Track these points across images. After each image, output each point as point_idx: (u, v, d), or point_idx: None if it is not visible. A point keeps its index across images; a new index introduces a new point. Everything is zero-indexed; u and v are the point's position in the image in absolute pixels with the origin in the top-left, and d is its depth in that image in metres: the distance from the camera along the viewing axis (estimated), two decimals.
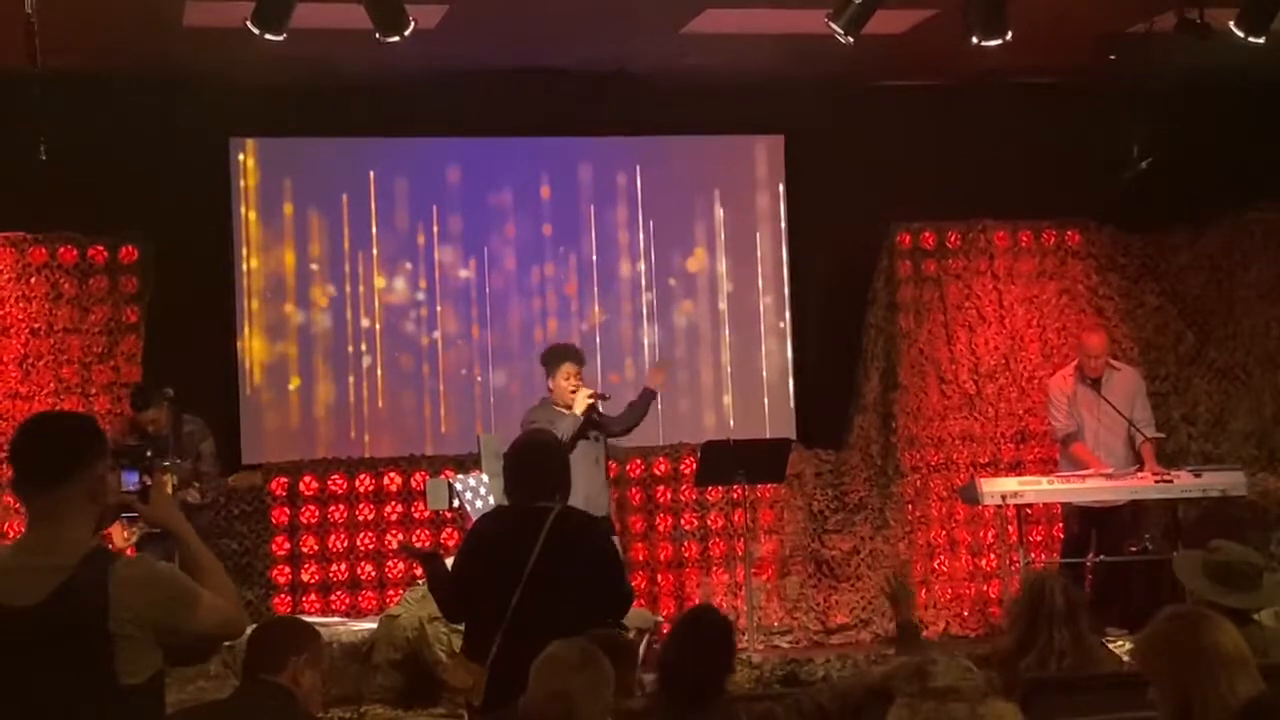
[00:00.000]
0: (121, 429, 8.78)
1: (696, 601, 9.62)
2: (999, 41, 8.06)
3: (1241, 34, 8.22)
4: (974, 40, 8.12)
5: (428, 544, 9.54)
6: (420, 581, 8.24)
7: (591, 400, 8.28)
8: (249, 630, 4.17)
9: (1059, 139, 10.37)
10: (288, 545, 9.68)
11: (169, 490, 8.34)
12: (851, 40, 8.04)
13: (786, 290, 10.69)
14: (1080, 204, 10.52)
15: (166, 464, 8.45)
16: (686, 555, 10.12)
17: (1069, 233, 10.62)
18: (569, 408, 8.24)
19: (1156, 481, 9.11)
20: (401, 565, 9.67)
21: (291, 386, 10.07)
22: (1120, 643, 7.45)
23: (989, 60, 8.96)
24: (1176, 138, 9.41)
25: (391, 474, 9.86)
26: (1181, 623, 3.60)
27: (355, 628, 8.70)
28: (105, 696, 3.40)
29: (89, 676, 3.39)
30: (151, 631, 3.46)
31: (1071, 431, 9.50)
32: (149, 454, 3.94)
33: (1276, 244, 10.06)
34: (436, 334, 10.24)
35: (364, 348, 10.13)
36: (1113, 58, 9.38)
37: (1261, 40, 8.24)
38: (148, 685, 3.47)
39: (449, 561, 5.58)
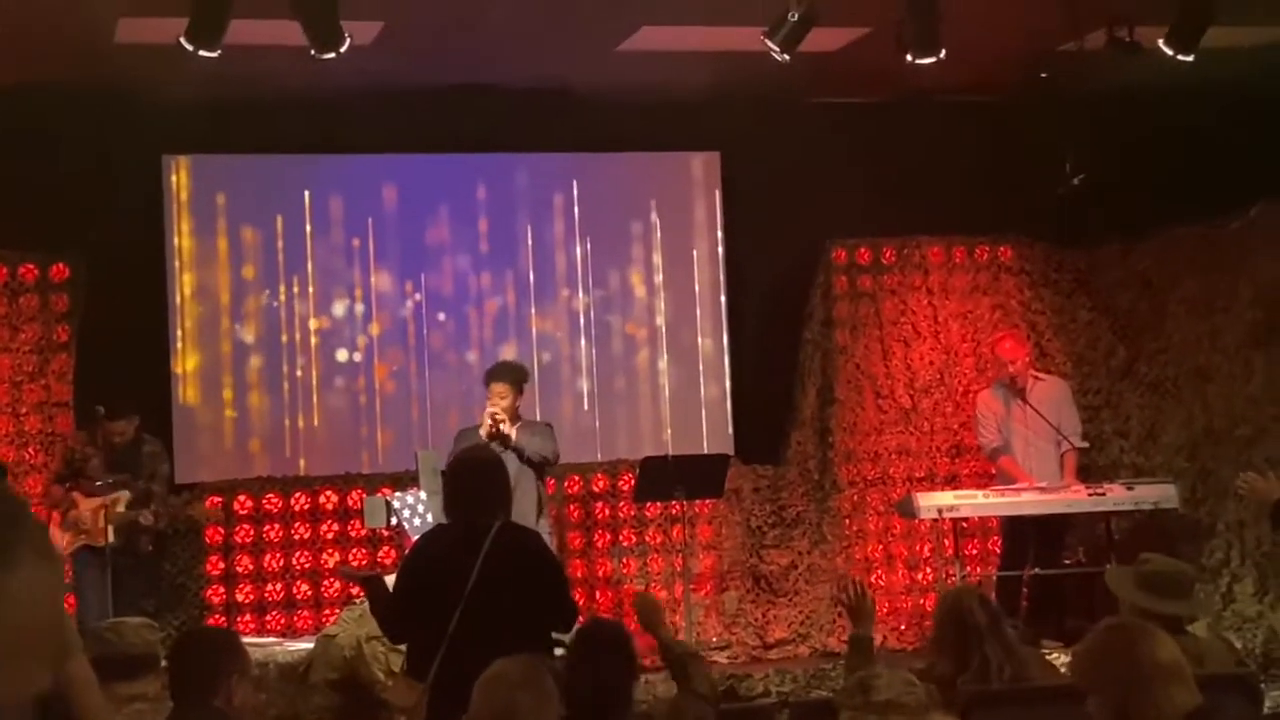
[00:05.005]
0: (83, 440, 8.73)
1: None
2: (932, 59, 8.14)
3: (1170, 52, 8.33)
4: (908, 58, 8.19)
5: (365, 563, 9.49)
6: (358, 600, 8.19)
7: (490, 420, 8.36)
8: (173, 644, 4.13)
9: (992, 156, 10.45)
10: (222, 565, 9.59)
11: (121, 509, 8.34)
12: (787, 58, 8.09)
13: (723, 306, 10.72)
14: (1013, 220, 10.62)
15: (112, 480, 8.44)
16: (625, 572, 10.12)
17: (1002, 249, 10.71)
18: None
19: (1090, 495, 9.21)
20: (338, 584, 9.60)
21: (226, 405, 9.98)
22: (1056, 655, 7.51)
23: (923, 78, 9.04)
24: (1107, 154, 9.52)
25: (327, 492, 9.79)
26: (1118, 634, 3.64)
27: (292, 648, 8.63)
28: None
29: None
30: None
31: (998, 446, 9.60)
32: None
33: (1205, 260, 10.18)
34: (373, 352, 10.18)
35: (299, 365, 10.06)
36: (1044, 76, 9.50)
37: (1190, 58, 8.36)
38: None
39: (389, 580, 5.55)
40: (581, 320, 10.50)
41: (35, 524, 1.21)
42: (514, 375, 8.59)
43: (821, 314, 10.50)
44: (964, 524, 9.77)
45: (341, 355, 10.14)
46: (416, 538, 6.35)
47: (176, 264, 9.92)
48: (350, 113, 9.74)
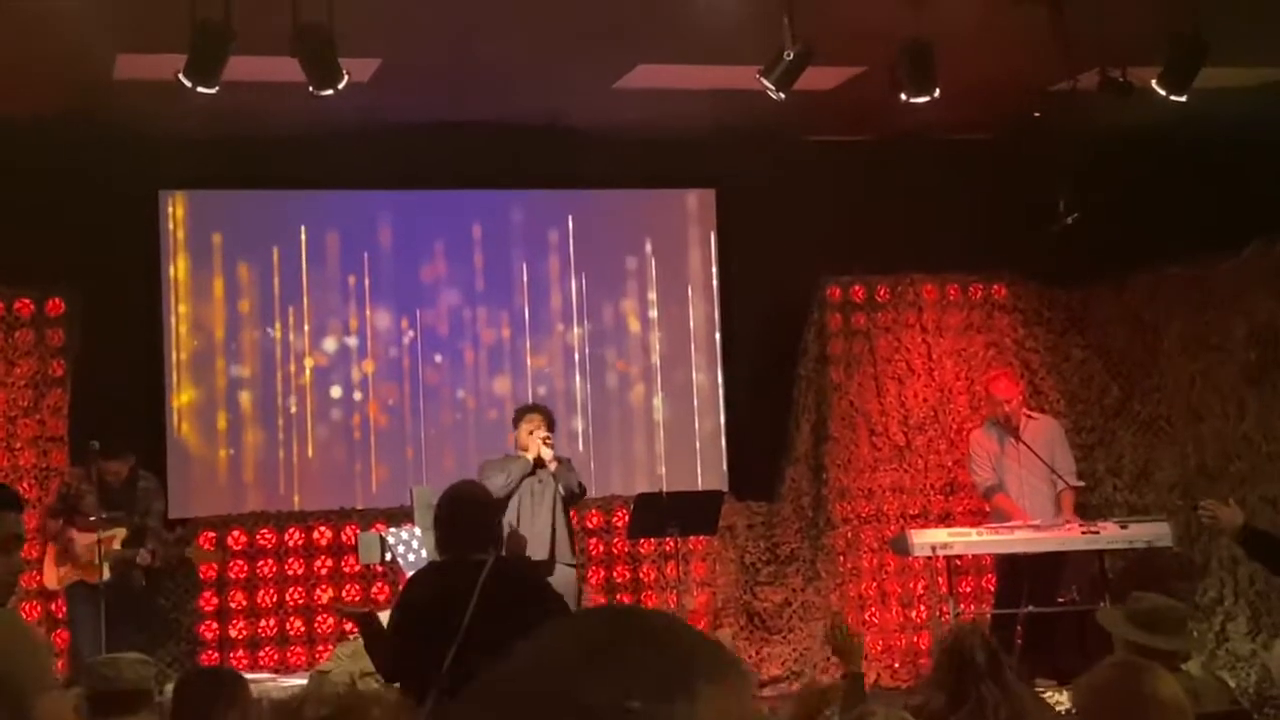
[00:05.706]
0: (79, 476, 8.72)
1: None
2: (927, 98, 8.18)
3: (1163, 93, 8.37)
4: (902, 97, 8.23)
5: (359, 599, 9.47)
6: (352, 637, 8.18)
7: (541, 444, 8.40)
8: (177, 683, 4.13)
9: (986, 194, 10.49)
10: (215, 601, 9.57)
11: (117, 546, 8.34)
12: (782, 96, 8.12)
13: (718, 342, 10.74)
14: (1007, 258, 10.65)
15: (107, 517, 8.45)
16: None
17: (995, 286, 10.75)
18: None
19: (1083, 533, 9.21)
20: (331, 620, 9.57)
21: (220, 440, 9.97)
22: (1050, 694, 7.51)
23: (917, 116, 9.07)
24: (1101, 193, 9.56)
25: (321, 528, 9.77)
26: (1123, 671, 3.64)
27: (284, 684, 8.60)
28: None
29: None
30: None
31: (992, 484, 9.61)
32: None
33: (1197, 298, 10.21)
34: (368, 387, 10.19)
35: (294, 400, 10.06)
36: (1037, 115, 9.53)
37: (1183, 99, 8.40)
38: None
39: (384, 617, 5.54)
40: (576, 356, 10.51)
41: (704, 644, 1.20)
42: (549, 414, 8.68)
43: (816, 351, 10.51)
44: (958, 561, 9.77)
45: (336, 391, 10.13)
46: (411, 574, 6.34)
47: (172, 298, 9.93)
48: (347, 149, 9.77)
